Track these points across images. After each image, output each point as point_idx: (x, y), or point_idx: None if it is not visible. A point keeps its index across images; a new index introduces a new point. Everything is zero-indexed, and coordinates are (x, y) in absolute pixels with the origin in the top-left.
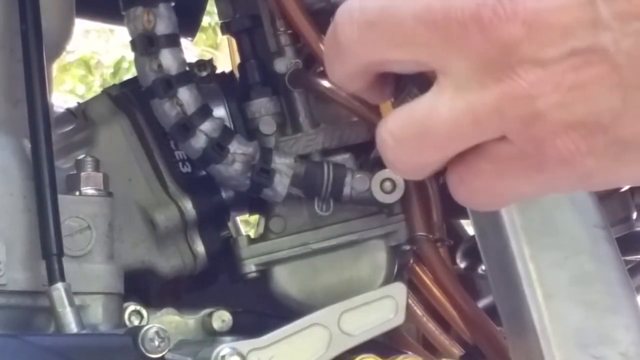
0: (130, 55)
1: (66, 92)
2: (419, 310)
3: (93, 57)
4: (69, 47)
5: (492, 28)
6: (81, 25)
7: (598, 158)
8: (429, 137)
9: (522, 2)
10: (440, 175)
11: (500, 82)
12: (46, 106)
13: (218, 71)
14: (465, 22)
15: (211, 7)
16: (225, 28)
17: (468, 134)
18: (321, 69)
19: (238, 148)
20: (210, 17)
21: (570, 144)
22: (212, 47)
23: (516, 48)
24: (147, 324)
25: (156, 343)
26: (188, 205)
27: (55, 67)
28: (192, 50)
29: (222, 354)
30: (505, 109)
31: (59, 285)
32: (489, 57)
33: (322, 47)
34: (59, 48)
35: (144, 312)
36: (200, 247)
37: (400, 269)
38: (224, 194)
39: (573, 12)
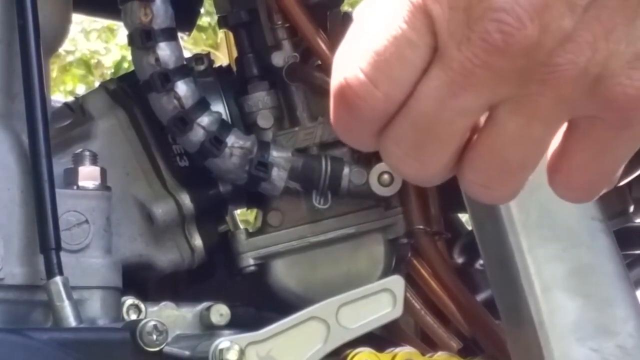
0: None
1: (67, 92)
2: (417, 304)
3: (93, 57)
4: (69, 47)
5: (513, 43)
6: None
7: None
8: (516, 166)
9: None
10: None
11: (545, 81)
12: (44, 101)
13: (215, 65)
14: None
15: (211, 7)
16: (223, 22)
17: (546, 142)
18: (318, 62)
19: (235, 142)
20: (210, 17)
21: (635, 82)
22: (212, 47)
23: (539, 47)
24: (145, 318)
25: (154, 337)
26: (186, 199)
27: (56, 67)
28: (191, 50)
29: (220, 347)
30: (567, 98)
31: (57, 280)
32: (523, 70)
33: (319, 40)
34: (56, 43)
35: (142, 306)
36: (198, 241)
37: (398, 262)
38: (221, 188)
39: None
